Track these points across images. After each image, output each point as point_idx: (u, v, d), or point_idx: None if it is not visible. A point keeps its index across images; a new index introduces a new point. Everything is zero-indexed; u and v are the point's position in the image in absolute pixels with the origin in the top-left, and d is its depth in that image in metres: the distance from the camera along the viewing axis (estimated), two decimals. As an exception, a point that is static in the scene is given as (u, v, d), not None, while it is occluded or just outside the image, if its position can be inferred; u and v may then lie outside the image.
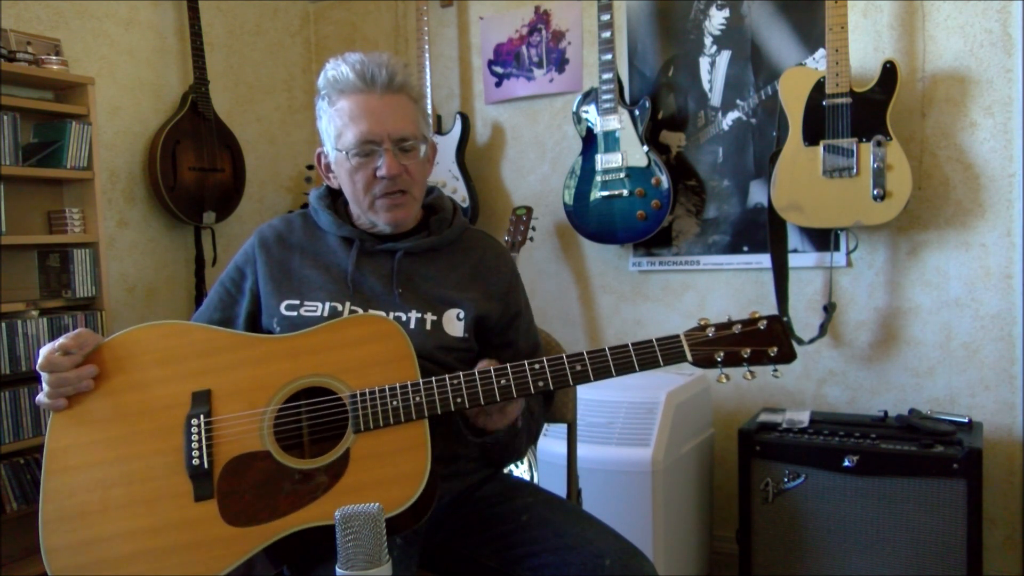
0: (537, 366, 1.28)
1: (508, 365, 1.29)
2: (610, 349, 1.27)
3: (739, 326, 1.27)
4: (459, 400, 1.27)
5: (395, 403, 1.26)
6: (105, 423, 1.30)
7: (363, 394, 1.27)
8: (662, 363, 1.27)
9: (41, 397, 1.32)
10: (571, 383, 1.28)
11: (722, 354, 1.26)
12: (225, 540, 1.22)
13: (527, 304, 1.60)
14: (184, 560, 1.22)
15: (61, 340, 1.30)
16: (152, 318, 3.00)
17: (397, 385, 1.27)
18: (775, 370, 1.28)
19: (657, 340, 1.27)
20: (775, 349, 1.26)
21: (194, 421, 1.28)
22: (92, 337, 1.33)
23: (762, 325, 1.27)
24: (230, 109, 3.35)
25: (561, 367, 1.28)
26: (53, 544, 1.25)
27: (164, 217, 3.09)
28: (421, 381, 1.28)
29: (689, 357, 1.26)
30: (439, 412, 1.27)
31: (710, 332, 1.27)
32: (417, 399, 1.27)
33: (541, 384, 1.28)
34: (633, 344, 1.27)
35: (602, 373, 1.27)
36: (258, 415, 1.29)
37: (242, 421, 1.29)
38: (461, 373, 1.29)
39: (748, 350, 1.26)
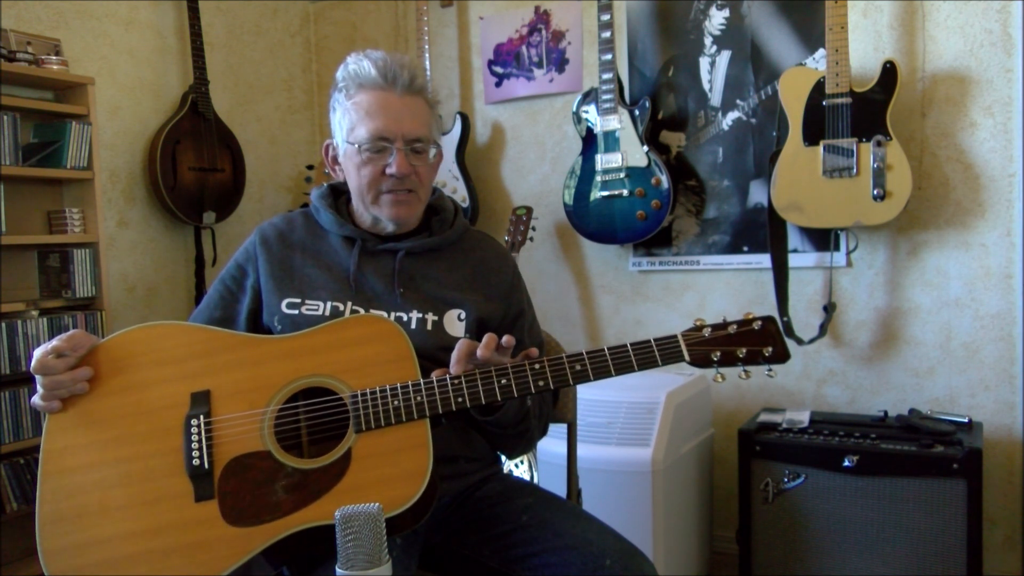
0: (537, 366, 1.29)
1: (508, 364, 1.29)
2: (609, 349, 1.28)
3: (735, 326, 1.29)
4: (460, 399, 1.28)
5: (396, 403, 1.26)
6: (103, 424, 1.29)
7: (364, 394, 1.27)
8: (660, 363, 1.28)
9: (35, 399, 1.31)
10: (571, 383, 1.29)
11: (718, 354, 1.28)
12: (227, 540, 1.22)
13: (529, 304, 1.61)
14: (185, 561, 1.22)
15: (54, 342, 1.28)
16: (152, 318, 3.01)
17: (398, 385, 1.27)
18: (770, 370, 1.30)
19: (655, 340, 1.29)
20: (770, 349, 1.28)
21: (194, 421, 1.28)
22: (86, 338, 1.31)
23: (757, 325, 1.29)
24: (230, 109, 3.35)
25: (561, 367, 1.28)
26: (51, 546, 1.24)
27: (164, 217, 3.09)
28: (422, 381, 1.28)
29: (686, 357, 1.28)
30: (440, 412, 1.27)
31: (706, 332, 1.29)
32: (418, 399, 1.27)
33: (541, 383, 1.28)
34: (632, 344, 1.28)
35: (601, 373, 1.28)
36: (258, 415, 1.28)
37: (242, 421, 1.28)
38: (462, 373, 1.29)
39: (744, 350, 1.28)
